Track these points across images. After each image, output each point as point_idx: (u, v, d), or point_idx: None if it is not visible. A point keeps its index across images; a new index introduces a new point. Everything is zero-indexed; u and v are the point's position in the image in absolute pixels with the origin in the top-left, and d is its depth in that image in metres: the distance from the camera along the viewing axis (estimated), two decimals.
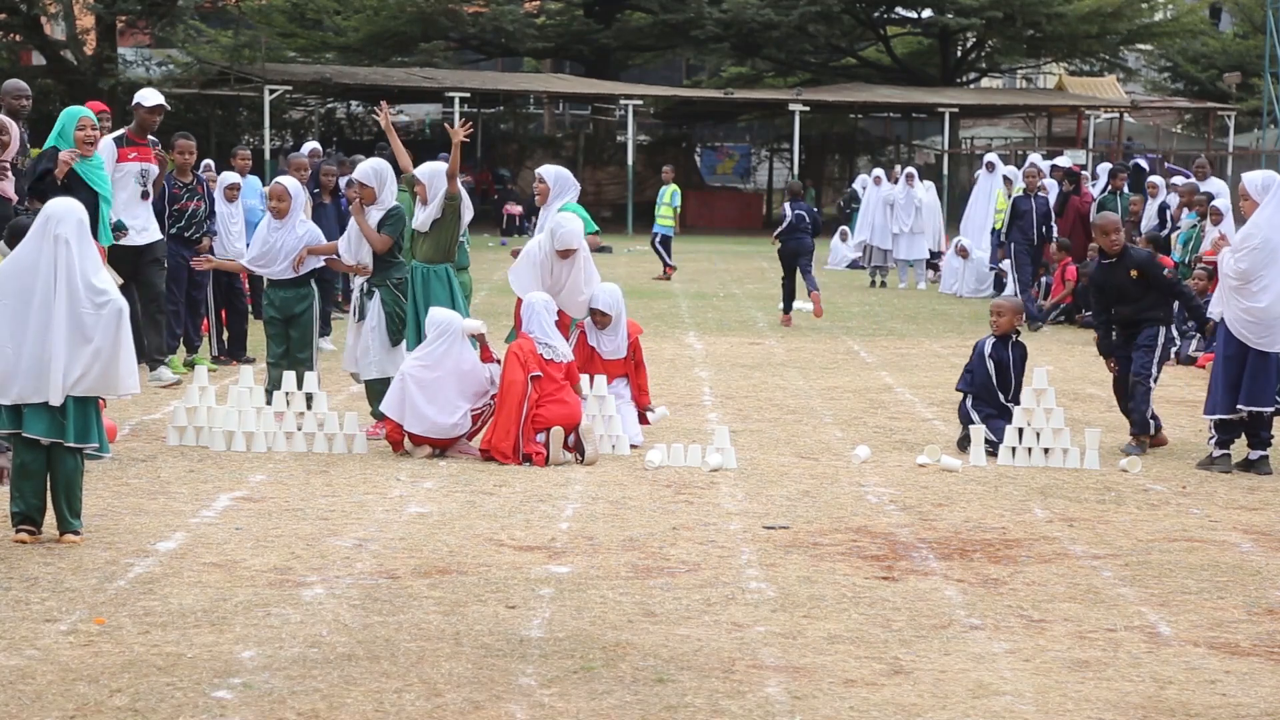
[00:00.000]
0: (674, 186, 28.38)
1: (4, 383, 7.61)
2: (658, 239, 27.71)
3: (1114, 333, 11.23)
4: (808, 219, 19.85)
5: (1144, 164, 23.80)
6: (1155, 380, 11.12)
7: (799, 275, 19.68)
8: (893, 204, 26.75)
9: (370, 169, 11.14)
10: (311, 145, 17.36)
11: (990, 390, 10.98)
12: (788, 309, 19.80)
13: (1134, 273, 11.05)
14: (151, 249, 13.19)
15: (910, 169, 28.57)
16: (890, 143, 54.71)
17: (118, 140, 12.99)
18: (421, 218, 11.14)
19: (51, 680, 5.79)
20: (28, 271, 7.67)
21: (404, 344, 11.05)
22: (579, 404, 10.43)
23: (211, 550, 7.77)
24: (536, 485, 9.53)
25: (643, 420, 11.23)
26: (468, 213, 11.40)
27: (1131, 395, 11.10)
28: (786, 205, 20.18)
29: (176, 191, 13.94)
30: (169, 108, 13.11)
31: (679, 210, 28.49)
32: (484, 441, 10.30)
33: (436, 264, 11.17)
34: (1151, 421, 11.14)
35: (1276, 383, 10.57)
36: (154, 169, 13.13)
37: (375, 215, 10.99)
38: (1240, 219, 11.49)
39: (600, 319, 11.18)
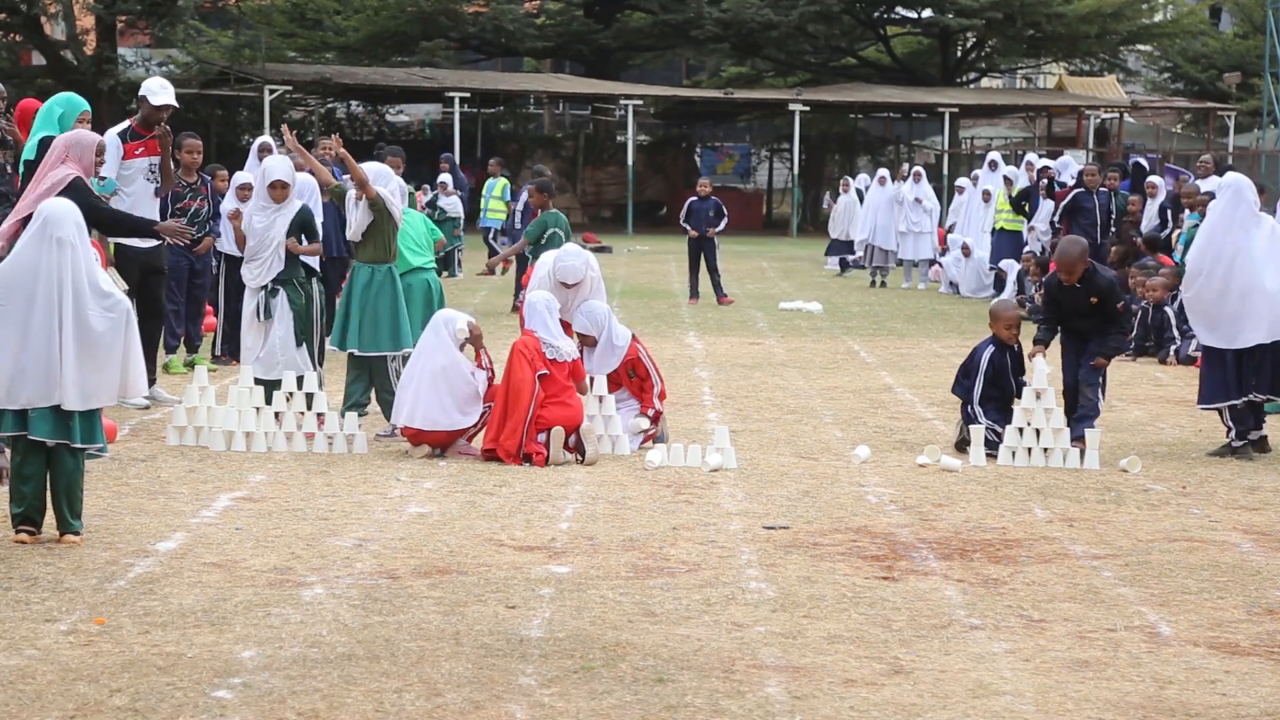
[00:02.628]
0: (504, 180, 28.21)
1: (12, 389, 7.60)
2: (489, 234, 27.76)
3: (1056, 333, 11.33)
4: (710, 212, 22.48)
5: (1144, 163, 23.79)
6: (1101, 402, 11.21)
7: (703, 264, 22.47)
8: (901, 202, 26.81)
9: (288, 168, 11.34)
10: (262, 139, 17.23)
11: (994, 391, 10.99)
12: (693, 294, 22.30)
13: (1093, 299, 11.04)
14: (156, 255, 12.62)
15: (918, 168, 28.68)
16: (890, 143, 54.71)
17: (123, 135, 12.47)
18: (354, 227, 11.26)
19: (51, 680, 5.79)
20: (28, 275, 7.63)
21: (313, 342, 11.12)
22: (581, 405, 10.42)
23: (211, 550, 7.77)
24: (536, 485, 9.53)
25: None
26: (396, 211, 11.35)
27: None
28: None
29: (179, 190, 13.85)
30: (176, 106, 12.55)
31: (510, 204, 28.11)
32: (488, 440, 10.29)
33: (379, 264, 11.18)
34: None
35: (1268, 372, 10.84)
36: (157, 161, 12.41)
37: (286, 216, 11.12)
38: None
39: (584, 340, 10.98)
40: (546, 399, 10.19)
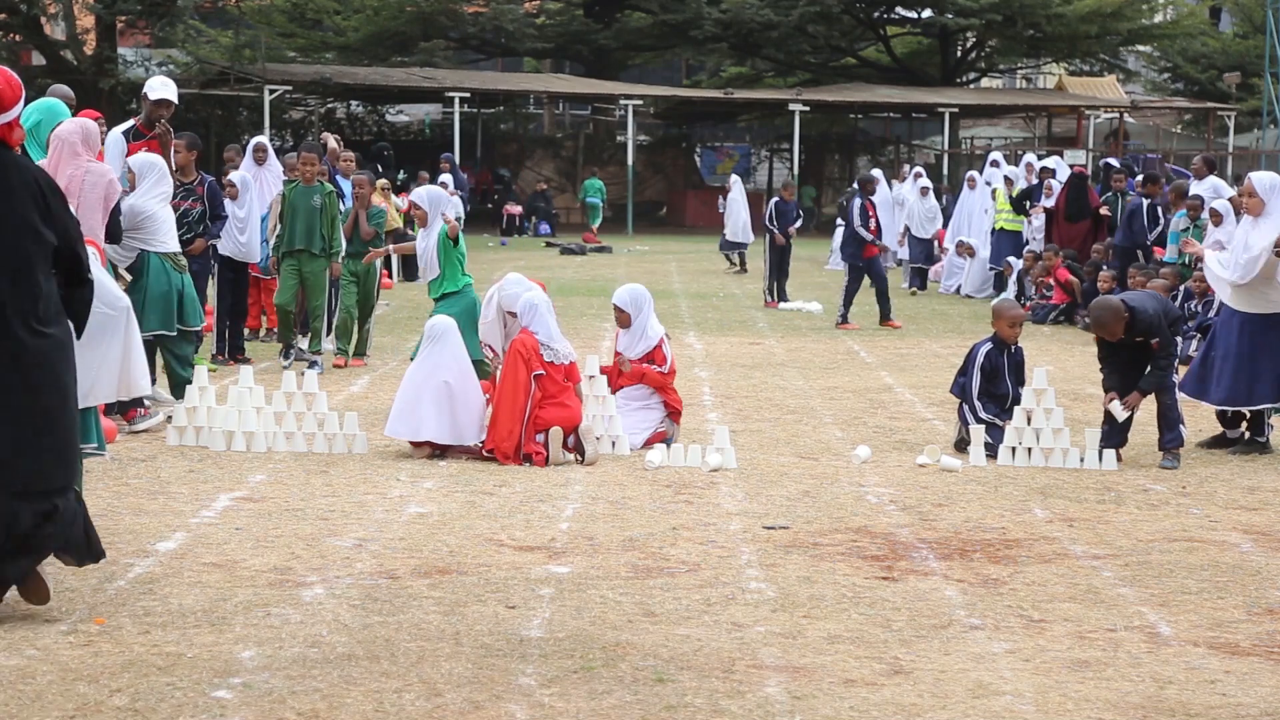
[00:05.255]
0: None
1: None
2: None
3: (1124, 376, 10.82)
4: (794, 214, 22.75)
5: (1114, 163, 23.84)
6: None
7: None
8: (902, 203, 26.90)
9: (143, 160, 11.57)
10: (258, 140, 17.19)
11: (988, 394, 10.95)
12: None
13: (1140, 340, 10.57)
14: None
15: (918, 168, 28.74)
16: (890, 143, 54.74)
17: (127, 134, 12.43)
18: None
19: (51, 680, 5.79)
20: None
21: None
22: (579, 406, 10.41)
23: (211, 550, 7.77)
24: (536, 485, 9.53)
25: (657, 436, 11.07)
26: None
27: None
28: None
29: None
30: (174, 102, 12.54)
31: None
32: (487, 443, 10.28)
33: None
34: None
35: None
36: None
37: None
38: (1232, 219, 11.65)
39: (620, 316, 11.11)
40: (544, 399, 10.18)
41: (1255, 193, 11.16)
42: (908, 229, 26.26)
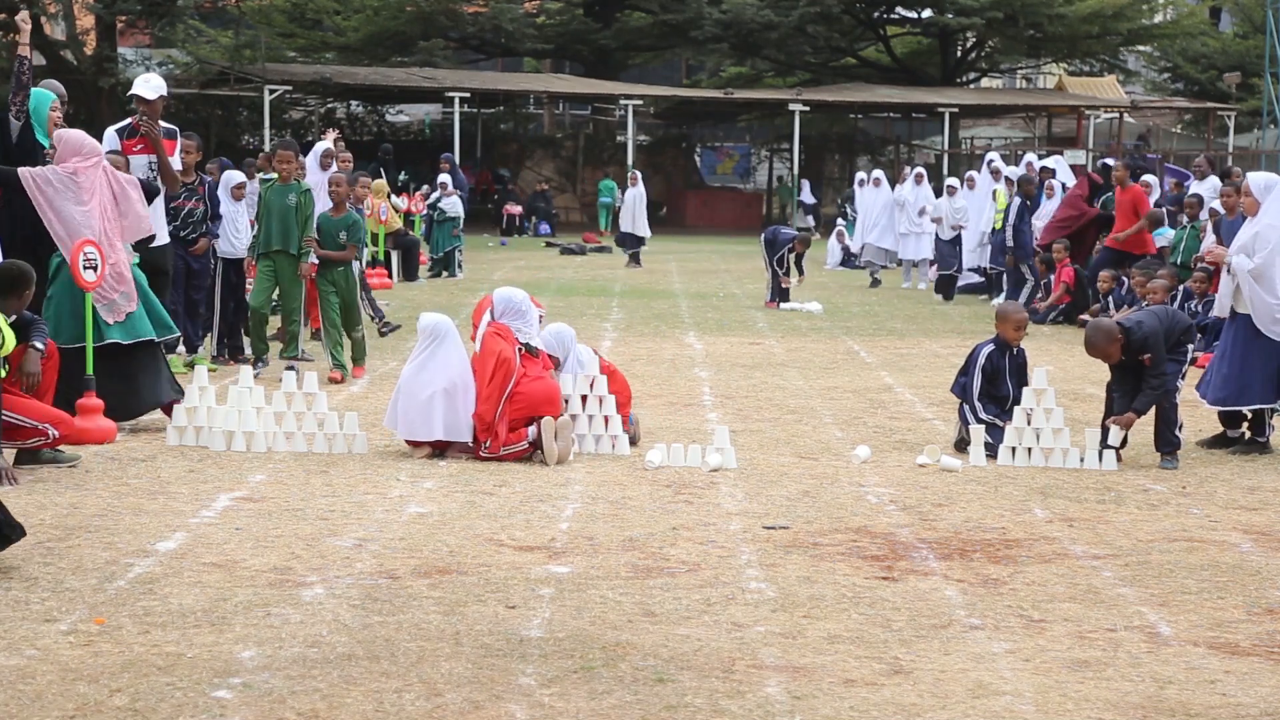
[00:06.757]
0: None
1: None
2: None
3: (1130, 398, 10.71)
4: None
5: (1113, 164, 23.89)
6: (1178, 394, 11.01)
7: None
8: (903, 204, 26.88)
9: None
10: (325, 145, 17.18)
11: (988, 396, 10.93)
12: None
13: (1143, 357, 10.53)
14: (162, 255, 12.55)
15: (919, 169, 28.71)
16: (890, 143, 54.76)
17: (121, 132, 12.44)
18: None
19: (51, 680, 5.78)
20: None
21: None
22: (558, 385, 10.40)
23: (211, 550, 7.77)
24: (536, 485, 9.53)
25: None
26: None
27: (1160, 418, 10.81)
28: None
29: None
30: (149, 99, 12.49)
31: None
32: (475, 416, 10.23)
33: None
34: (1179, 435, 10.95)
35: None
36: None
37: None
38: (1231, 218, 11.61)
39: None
40: (521, 377, 10.14)
41: (1250, 192, 11.15)
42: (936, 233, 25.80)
